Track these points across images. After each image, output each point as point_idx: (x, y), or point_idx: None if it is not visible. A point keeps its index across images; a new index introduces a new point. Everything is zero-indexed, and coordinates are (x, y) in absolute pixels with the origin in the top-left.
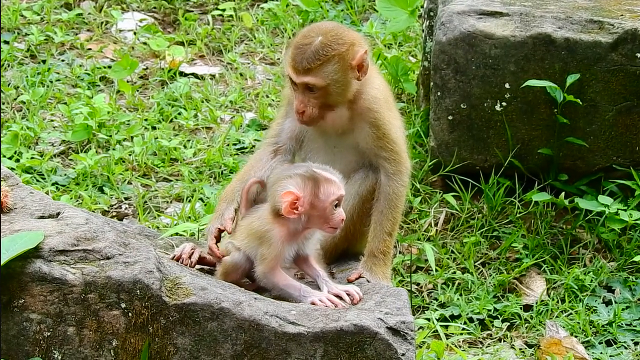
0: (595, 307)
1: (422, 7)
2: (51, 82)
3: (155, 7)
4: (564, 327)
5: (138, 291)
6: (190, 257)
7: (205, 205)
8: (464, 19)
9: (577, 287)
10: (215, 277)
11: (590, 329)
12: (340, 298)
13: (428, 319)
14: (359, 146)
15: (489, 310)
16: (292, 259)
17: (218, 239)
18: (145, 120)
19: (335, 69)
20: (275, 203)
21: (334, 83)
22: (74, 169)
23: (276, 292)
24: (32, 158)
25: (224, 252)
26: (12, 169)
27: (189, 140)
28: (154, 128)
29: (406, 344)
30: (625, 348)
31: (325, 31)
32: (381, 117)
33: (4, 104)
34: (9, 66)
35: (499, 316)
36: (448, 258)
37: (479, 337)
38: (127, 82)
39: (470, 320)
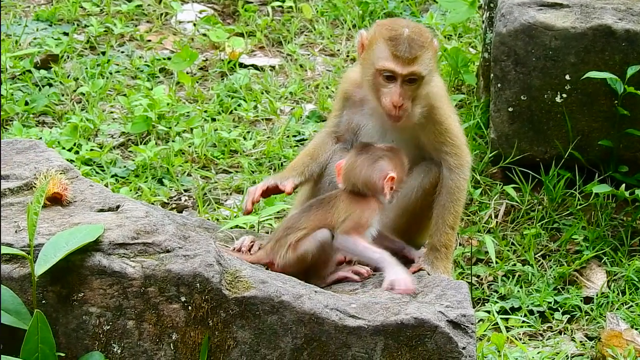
0: None
1: None
2: (110, 73)
3: None
4: (624, 320)
5: (198, 284)
6: (249, 250)
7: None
8: (524, 11)
9: (637, 280)
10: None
11: None
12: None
13: (488, 312)
14: (420, 141)
15: (549, 303)
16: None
17: (267, 193)
18: (205, 111)
19: (431, 56)
20: (374, 190)
21: (430, 72)
22: (133, 160)
23: (354, 255)
24: (91, 150)
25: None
26: (72, 160)
27: (248, 132)
28: (213, 120)
29: (467, 337)
30: None
31: (404, 23)
32: (444, 113)
33: (62, 95)
34: (68, 58)
35: (559, 308)
36: (508, 250)
37: (540, 330)
38: (187, 73)
39: (531, 312)
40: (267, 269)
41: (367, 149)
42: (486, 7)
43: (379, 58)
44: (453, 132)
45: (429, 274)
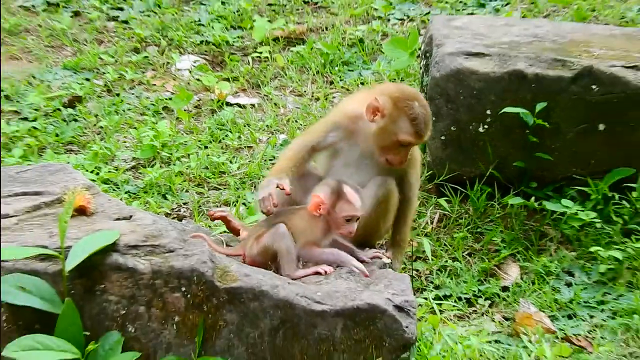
0: (559, 288)
1: (419, 49)
2: (124, 111)
3: (206, 51)
4: (534, 304)
5: (195, 277)
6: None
7: (247, 209)
8: (453, 59)
9: (544, 273)
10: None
11: (555, 305)
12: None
13: (426, 299)
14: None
15: (474, 291)
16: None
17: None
18: (199, 141)
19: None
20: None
21: None
22: (142, 180)
23: (315, 260)
24: (109, 172)
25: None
26: (93, 180)
27: (234, 157)
28: (206, 147)
29: (409, 318)
30: (583, 320)
31: (410, 94)
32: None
33: (85, 128)
34: (90, 98)
35: (482, 295)
36: (441, 250)
37: (467, 313)
38: (184, 110)
39: (459, 299)
40: (243, 261)
41: (338, 180)
42: (423, 56)
43: (402, 132)
44: (416, 158)
45: (391, 263)
